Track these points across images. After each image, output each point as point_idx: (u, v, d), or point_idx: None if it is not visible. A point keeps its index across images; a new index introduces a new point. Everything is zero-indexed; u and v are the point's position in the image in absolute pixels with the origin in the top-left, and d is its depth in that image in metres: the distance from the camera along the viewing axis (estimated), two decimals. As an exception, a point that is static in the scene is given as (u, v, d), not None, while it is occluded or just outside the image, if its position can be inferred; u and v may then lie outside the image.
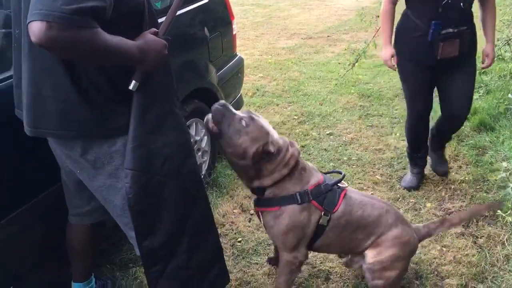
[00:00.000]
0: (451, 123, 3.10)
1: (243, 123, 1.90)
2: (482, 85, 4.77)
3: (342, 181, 2.12)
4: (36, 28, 1.24)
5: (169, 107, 1.70)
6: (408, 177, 3.27)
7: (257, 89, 5.21)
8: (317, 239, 2.07)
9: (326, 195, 2.02)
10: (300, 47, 6.88)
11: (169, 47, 1.60)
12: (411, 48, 2.85)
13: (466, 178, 3.25)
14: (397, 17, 2.93)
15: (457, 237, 2.69)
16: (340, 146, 3.85)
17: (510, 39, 4.68)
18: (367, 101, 4.76)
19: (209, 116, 1.98)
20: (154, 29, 1.58)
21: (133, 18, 1.54)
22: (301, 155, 2.12)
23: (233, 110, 1.97)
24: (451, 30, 2.68)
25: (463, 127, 3.87)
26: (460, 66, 2.83)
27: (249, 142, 1.89)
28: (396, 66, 2.97)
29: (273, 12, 9.35)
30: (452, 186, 3.17)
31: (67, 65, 1.49)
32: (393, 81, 5.26)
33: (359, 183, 3.29)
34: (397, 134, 3.99)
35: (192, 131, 3.04)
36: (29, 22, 1.26)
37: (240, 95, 3.85)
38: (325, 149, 3.80)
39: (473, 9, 2.77)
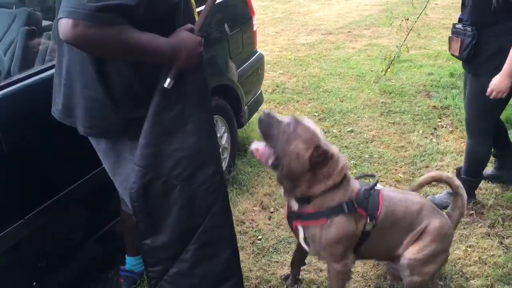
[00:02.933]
0: None
1: (291, 128, 1.82)
2: None
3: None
4: (63, 25, 1.26)
5: (191, 110, 1.63)
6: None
7: (277, 86, 5.18)
8: (362, 244, 2.02)
9: (368, 200, 1.97)
10: (320, 43, 6.81)
11: None
12: None
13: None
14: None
15: (482, 237, 2.63)
16: (361, 143, 3.80)
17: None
18: (389, 97, 4.69)
19: (254, 145, 1.88)
20: (189, 25, 1.54)
21: (166, 21, 1.51)
22: None
23: (278, 116, 1.87)
24: (460, 26, 2.61)
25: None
26: (471, 73, 2.67)
27: (301, 145, 1.80)
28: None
29: (293, 7, 9.28)
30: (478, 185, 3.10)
31: (96, 62, 1.49)
32: (415, 77, 5.17)
33: (381, 181, 3.23)
34: (420, 132, 3.92)
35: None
36: (59, 19, 1.28)
37: (260, 91, 3.83)
38: (346, 147, 3.75)
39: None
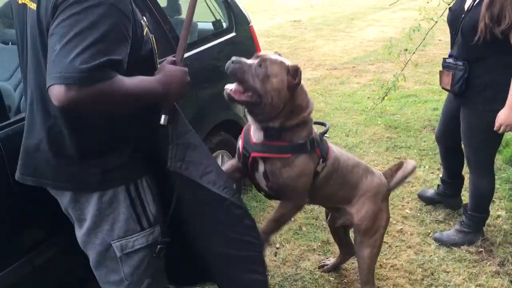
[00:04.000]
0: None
1: (263, 68, 1.84)
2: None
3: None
4: (56, 92, 1.23)
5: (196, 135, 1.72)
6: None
7: (283, 120, 5.20)
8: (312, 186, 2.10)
9: (321, 143, 2.05)
10: (325, 78, 6.88)
11: (198, 80, 1.60)
12: None
13: (500, 213, 3.14)
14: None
15: (492, 276, 2.58)
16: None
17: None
18: (394, 132, 4.70)
19: (228, 87, 1.89)
20: (171, 58, 1.56)
21: (146, 65, 1.53)
22: None
23: (246, 60, 1.87)
24: (451, 60, 2.67)
25: (496, 160, 3.78)
26: (464, 107, 2.70)
27: (276, 79, 1.84)
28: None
29: (298, 43, 9.43)
30: (486, 222, 3.06)
31: (68, 118, 1.45)
32: (420, 112, 5.19)
33: (388, 217, 3.20)
34: (426, 167, 3.90)
35: (218, 162, 3.04)
36: (49, 86, 1.25)
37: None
38: (352, 182, 3.74)
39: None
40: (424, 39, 4.83)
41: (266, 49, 8.83)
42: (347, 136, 4.67)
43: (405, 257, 2.79)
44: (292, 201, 2.05)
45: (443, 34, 8.43)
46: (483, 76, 2.54)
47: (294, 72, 1.86)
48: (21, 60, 1.59)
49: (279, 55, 1.98)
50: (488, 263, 2.69)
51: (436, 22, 4.63)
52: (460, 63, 2.59)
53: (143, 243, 1.61)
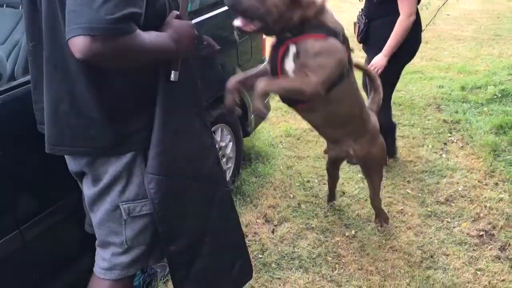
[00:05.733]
0: None
1: None
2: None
3: None
4: (81, 44, 1.18)
5: (194, 110, 1.65)
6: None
7: (285, 93, 5.10)
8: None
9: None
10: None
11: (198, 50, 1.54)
12: None
13: (503, 196, 3.09)
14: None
15: (492, 261, 2.54)
16: (369, 156, 3.71)
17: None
18: (398, 109, 4.60)
19: (235, 22, 1.89)
20: (175, 12, 1.50)
21: (159, 20, 1.47)
22: None
23: None
24: (359, 14, 3.32)
25: (499, 141, 3.72)
26: (368, 53, 3.34)
27: None
28: None
29: (303, 14, 9.22)
30: (488, 204, 3.02)
31: (90, 76, 1.40)
32: (425, 89, 5.09)
33: (389, 196, 3.16)
34: (429, 146, 3.83)
35: (218, 137, 2.97)
36: (70, 38, 1.20)
37: (268, 100, 3.75)
38: (353, 159, 3.67)
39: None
40: (435, 16, 4.69)
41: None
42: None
43: (404, 238, 2.75)
44: (314, 79, 1.92)
45: (452, 9, 8.26)
46: (377, 31, 3.17)
47: None
48: (29, 18, 1.52)
49: None
50: (489, 247, 2.64)
51: (448, -1, 4.49)
52: (362, 18, 3.25)
53: (150, 209, 1.59)
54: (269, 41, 4.02)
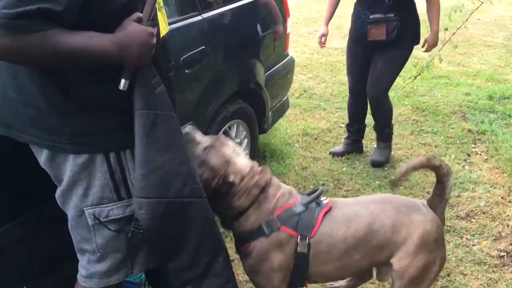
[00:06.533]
0: (370, 102, 3.55)
1: (205, 153, 1.72)
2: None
3: (320, 198, 1.81)
4: None
5: (174, 119, 1.47)
6: (340, 145, 3.74)
7: (305, 90, 4.98)
8: (303, 269, 1.76)
9: (300, 217, 1.72)
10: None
11: (218, 44, 1.38)
12: (355, 30, 3.44)
13: (526, 215, 2.94)
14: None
15: (511, 284, 2.41)
16: (388, 162, 3.58)
17: None
18: (422, 115, 4.44)
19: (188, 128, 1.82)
20: (137, 14, 1.30)
21: (117, 21, 1.30)
22: (272, 180, 1.82)
23: (198, 136, 1.76)
24: (378, 15, 3.20)
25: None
26: (386, 51, 3.31)
27: (208, 173, 1.70)
28: (325, 45, 3.74)
29: (329, 9, 9.02)
30: (510, 223, 2.87)
31: (43, 71, 1.29)
32: (451, 96, 4.91)
33: (406, 207, 3.02)
34: (452, 157, 3.68)
35: (233, 132, 2.86)
36: None
37: (287, 97, 3.64)
38: (372, 164, 3.55)
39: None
40: (467, 19, 4.49)
41: (295, 13, 8.47)
42: (370, 114, 4.42)
43: (420, 253, 2.62)
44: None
45: (483, 13, 7.98)
46: (408, 25, 3.26)
47: (225, 183, 1.70)
48: None
49: (238, 150, 1.80)
50: (510, 269, 2.51)
51: (482, 3, 4.28)
52: (390, 15, 3.18)
53: (118, 214, 1.45)
54: (292, 35, 3.89)
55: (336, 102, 4.71)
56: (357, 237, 1.74)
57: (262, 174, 1.78)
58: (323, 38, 3.63)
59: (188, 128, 1.75)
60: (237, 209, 1.73)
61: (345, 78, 5.30)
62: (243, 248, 1.77)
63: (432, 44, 3.41)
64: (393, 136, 3.99)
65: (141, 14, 1.32)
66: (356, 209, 1.81)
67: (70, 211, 1.48)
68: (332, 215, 1.76)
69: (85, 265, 1.53)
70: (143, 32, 1.29)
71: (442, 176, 1.86)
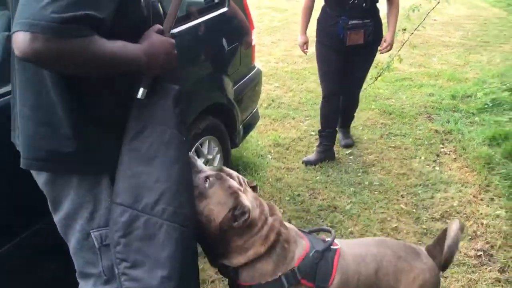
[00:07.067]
0: (347, 102, 3.83)
1: (207, 184, 1.52)
2: (509, 106, 4.51)
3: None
4: (20, 40, 1.07)
5: (172, 132, 1.41)
6: (312, 154, 3.75)
7: (272, 100, 4.97)
8: None
9: (317, 265, 1.61)
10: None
11: (186, 58, 1.39)
12: (327, 35, 3.45)
13: (499, 213, 2.99)
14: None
15: (492, 283, 2.43)
16: (361, 168, 3.60)
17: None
18: (389, 118, 4.50)
19: None
20: (158, 26, 1.37)
21: (134, 32, 1.33)
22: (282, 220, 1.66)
23: (199, 166, 1.58)
24: (356, 21, 3.30)
25: (493, 154, 3.64)
26: (362, 53, 3.48)
27: (213, 206, 1.50)
28: (309, 51, 3.79)
29: (290, 17, 9.06)
30: (484, 222, 2.92)
31: (56, 78, 1.28)
32: (415, 97, 5.00)
33: (382, 212, 3.04)
34: (422, 158, 3.73)
35: (205, 149, 2.81)
36: (13, 32, 1.09)
37: (256, 109, 3.61)
38: (344, 171, 3.55)
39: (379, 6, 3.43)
40: (424, 19, 4.61)
41: (257, 22, 8.48)
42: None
43: (400, 258, 2.62)
44: None
45: (440, 14, 8.22)
46: (377, 25, 3.45)
47: (239, 215, 1.50)
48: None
49: (243, 183, 1.61)
50: (488, 268, 2.54)
51: (439, 2, 4.40)
52: (367, 20, 3.31)
53: None
54: (256, 45, 3.89)
55: (305, 110, 4.72)
56: (367, 284, 1.67)
57: (273, 213, 1.62)
58: (305, 45, 3.71)
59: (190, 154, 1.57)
60: (249, 256, 1.54)
61: (312, 86, 5.38)
62: None
63: (390, 42, 3.53)
64: (363, 141, 4.05)
65: (161, 27, 1.38)
66: (361, 253, 1.71)
67: (75, 235, 1.44)
68: (344, 262, 1.66)
69: None
70: (167, 43, 1.35)
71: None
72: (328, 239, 1.70)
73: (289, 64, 6.23)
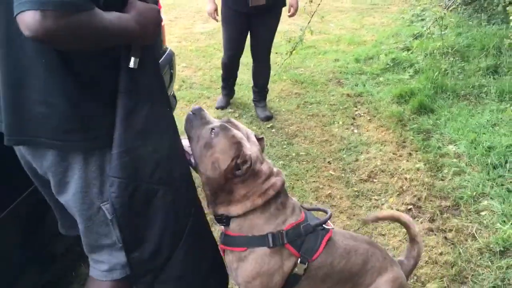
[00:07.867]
0: (257, 65, 3.97)
1: (213, 133, 1.58)
2: (409, 64, 4.79)
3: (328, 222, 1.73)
4: (29, 19, 1.06)
5: (159, 108, 1.49)
6: (220, 98, 4.22)
7: (183, 81, 4.81)
8: None
9: (306, 238, 1.64)
10: (219, 31, 6.49)
11: None
12: None
13: (419, 166, 3.18)
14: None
15: (426, 234, 2.59)
16: (285, 140, 3.62)
17: (438, 18, 4.71)
18: (302, 87, 4.57)
19: (184, 142, 1.64)
20: None
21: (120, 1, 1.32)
22: (285, 188, 1.70)
23: (207, 117, 1.65)
24: None
25: (403, 110, 3.84)
26: (266, 17, 3.62)
27: (218, 154, 1.57)
28: (219, 16, 3.79)
29: (184, -8, 8.82)
30: (408, 176, 3.09)
31: (48, 56, 1.25)
32: (322, 64, 5.13)
33: (314, 181, 3.09)
34: (340, 123, 3.84)
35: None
36: (18, 13, 1.07)
37: (173, 92, 3.45)
38: (270, 145, 3.55)
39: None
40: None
41: None
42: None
43: (339, 223, 2.70)
44: None
45: (330, -19, 8.45)
46: None
47: (241, 164, 1.55)
48: None
49: (250, 135, 1.67)
50: (420, 220, 2.70)
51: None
52: None
53: None
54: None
55: (218, 88, 4.61)
56: (352, 272, 1.71)
57: (278, 175, 1.66)
58: (215, 12, 3.81)
59: (197, 107, 1.67)
60: (246, 207, 1.59)
61: (219, 62, 5.24)
62: (237, 251, 1.63)
63: (296, 6, 3.73)
64: (282, 113, 4.07)
65: None
66: (355, 245, 1.75)
67: (85, 214, 1.46)
68: (333, 245, 1.68)
69: (106, 260, 1.54)
70: (153, 10, 1.34)
71: (412, 235, 1.90)
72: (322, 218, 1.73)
73: (192, 42, 6.06)
